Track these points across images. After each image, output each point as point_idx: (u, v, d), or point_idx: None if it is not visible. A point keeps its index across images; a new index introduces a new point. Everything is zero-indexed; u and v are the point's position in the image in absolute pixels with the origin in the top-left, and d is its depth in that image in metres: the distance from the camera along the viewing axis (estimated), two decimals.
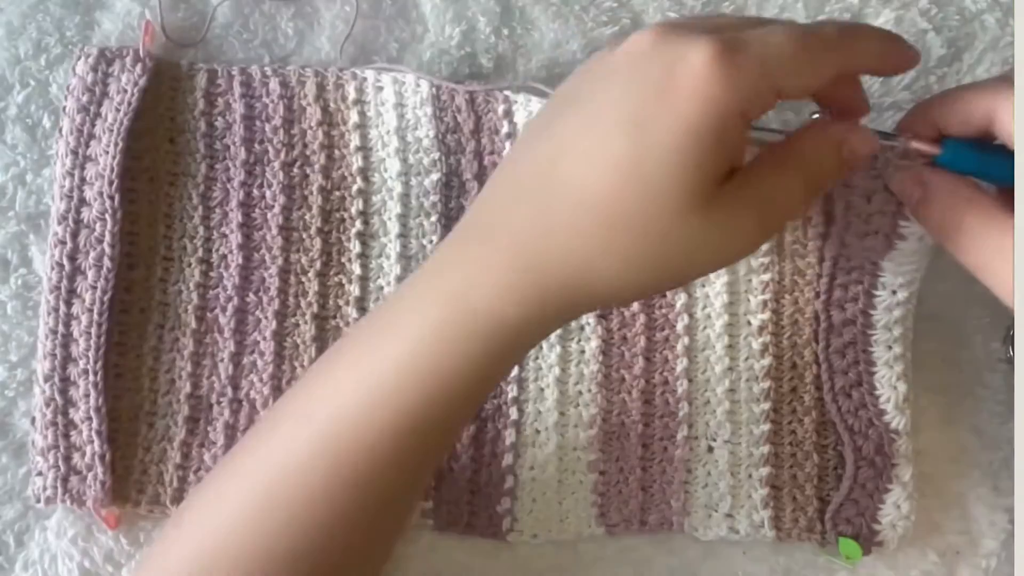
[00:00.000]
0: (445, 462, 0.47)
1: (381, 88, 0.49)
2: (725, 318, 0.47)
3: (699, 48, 0.32)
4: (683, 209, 0.33)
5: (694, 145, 0.32)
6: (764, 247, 0.46)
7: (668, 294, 0.47)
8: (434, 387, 0.36)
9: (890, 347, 0.46)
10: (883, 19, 0.50)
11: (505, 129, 0.48)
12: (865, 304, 0.46)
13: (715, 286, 0.47)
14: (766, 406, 0.47)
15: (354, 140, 0.49)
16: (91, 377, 0.45)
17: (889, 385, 0.46)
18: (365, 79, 0.49)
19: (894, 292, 0.46)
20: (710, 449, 0.47)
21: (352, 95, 0.49)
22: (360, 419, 0.36)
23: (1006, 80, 0.38)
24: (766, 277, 0.47)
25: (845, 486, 0.46)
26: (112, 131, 0.47)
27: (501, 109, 0.48)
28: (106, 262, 0.46)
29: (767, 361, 0.47)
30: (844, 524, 0.46)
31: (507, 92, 0.48)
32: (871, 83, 0.50)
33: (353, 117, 0.49)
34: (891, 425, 0.46)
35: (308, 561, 0.37)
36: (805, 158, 0.37)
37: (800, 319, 0.47)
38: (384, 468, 0.37)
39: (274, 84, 0.48)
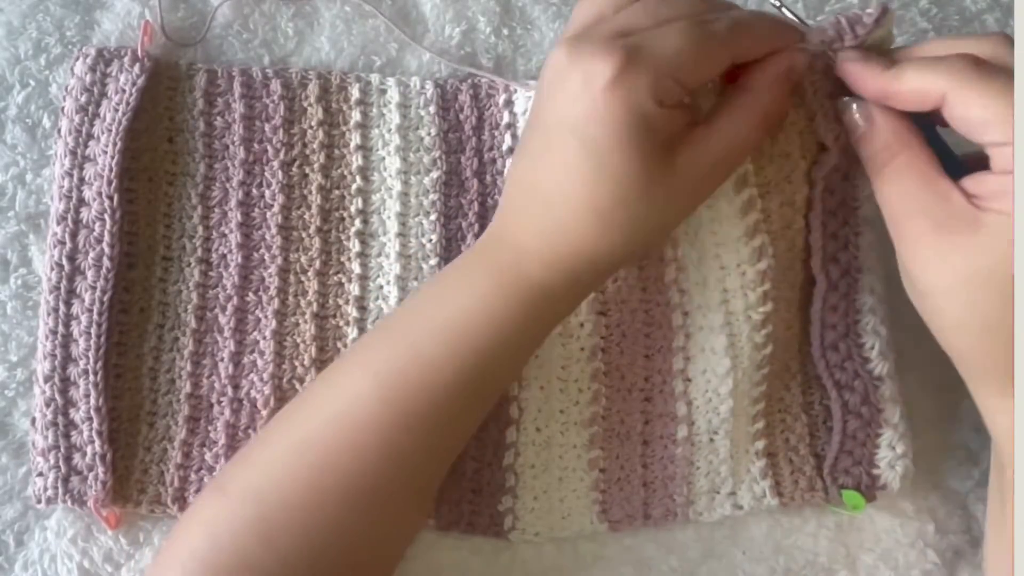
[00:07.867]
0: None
1: (385, 90, 0.49)
2: (721, 315, 0.46)
3: (605, 64, 0.37)
4: (646, 189, 0.38)
5: (631, 137, 0.37)
6: (755, 244, 0.46)
7: (665, 292, 0.47)
8: (488, 347, 0.40)
9: (872, 290, 0.46)
10: None
11: (505, 119, 0.48)
12: (854, 249, 0.46)
13: (709, 284, 0.46)
14: (763, 388, 0.47)
15: (354, 139, 0.49)
16: (91, 377, 0.45)
17: (873, 331, 0.46)
18: (369, 82, 0.49)
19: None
20: (711, 440, 0.47)
21: (356, 96, 0.49)
22: (424, 378, 0.40)
23: (967, 60, 0.36)
24: (762, 265, 0.46)
25: (835, 441, 0.46)
26: (111, 131, 0.47)
27: (502, 99, 0.48)
28: (105, 262, 0.46)
29: (768, 351, 0.47)
30: (843, 476, 0.46)
31: (510, 83, 0.48)
32: None
33: (355, 117, 0.49)
34: (875, 372, 0.46)
35: (356, 503, 0.40)
36: (760, 99, 0.40)
37: (790, 291, 0.47)
38: (442, 419, 0.41)
39: (275, 85, 0.48)
